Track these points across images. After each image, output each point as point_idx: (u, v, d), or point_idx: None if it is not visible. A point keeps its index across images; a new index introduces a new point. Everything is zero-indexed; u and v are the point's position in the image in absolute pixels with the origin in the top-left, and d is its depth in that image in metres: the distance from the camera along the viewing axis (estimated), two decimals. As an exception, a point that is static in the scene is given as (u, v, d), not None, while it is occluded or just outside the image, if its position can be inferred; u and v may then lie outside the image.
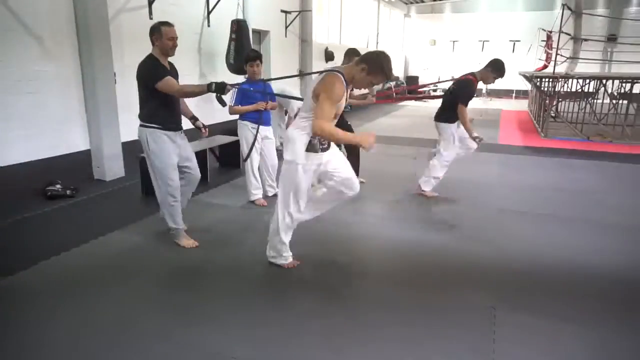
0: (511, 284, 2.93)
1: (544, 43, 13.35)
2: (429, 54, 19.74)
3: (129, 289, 2.79)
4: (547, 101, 9.75)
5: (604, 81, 9.84)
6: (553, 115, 10.42)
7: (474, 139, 4.40)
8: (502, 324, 2.47)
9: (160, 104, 3.12)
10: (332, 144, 2.89)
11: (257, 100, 4.18)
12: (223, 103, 3.25)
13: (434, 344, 2.29)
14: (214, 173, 5.46)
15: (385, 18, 16.81)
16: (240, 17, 7.27)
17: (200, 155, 5.09)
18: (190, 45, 6.82)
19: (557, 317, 2.55)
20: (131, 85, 5.55)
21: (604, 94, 9.92)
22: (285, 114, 6.69)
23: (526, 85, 13.90)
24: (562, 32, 8.76)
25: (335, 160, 2.88)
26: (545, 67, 12.12)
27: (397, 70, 18.93)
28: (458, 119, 4.41)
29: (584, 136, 8.63)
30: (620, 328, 2.47)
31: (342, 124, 4.46)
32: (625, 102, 9.71)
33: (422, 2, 19.04)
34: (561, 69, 10.09)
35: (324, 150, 2.78)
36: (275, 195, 4.57)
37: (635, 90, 9.54)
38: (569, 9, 9.90)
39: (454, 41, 18.99)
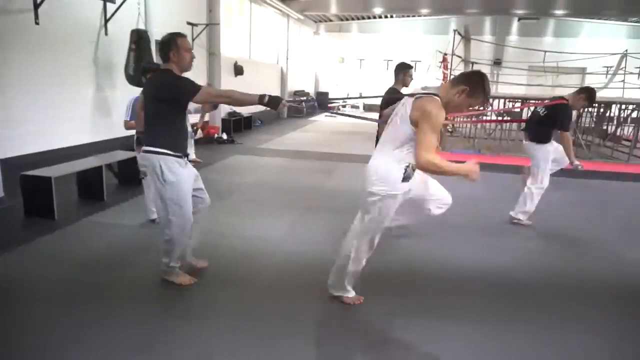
0: (410, 291, 3.09)
1: (441, 64, 14.50)
2: (338, 70, 20.46)
3: (18, 313, 2.49)
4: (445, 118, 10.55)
5: (490, 100, 10.92)
6: (450, 130, 11.31)
7: (575, 166, 4.47)
8: (399, 329, 2.59)
9: (177, 125, 2.84)
10: None
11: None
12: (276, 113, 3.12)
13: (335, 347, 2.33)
14: (111, 191, 5.11)
15: (295, 34, 17.14)
16: (141, 27, 6.96)
17: (96, 172, 4.76)
18: (85, 55, 6.37)
19: (449, 317, 2.74)
20: (13, 98, 5.13)
21: (491, 111, 11.00)
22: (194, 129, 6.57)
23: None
24: (454, 54, 9.60)
25: (419, 183, 2.67)
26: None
27: (308, 86, 19.37)
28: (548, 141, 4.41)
29: (476, 149, 9.47)
30: (502, 324, 2.71)
31: None
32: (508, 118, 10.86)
33: (331, 21, 19.75)
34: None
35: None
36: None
37: (515, 109, 10.74)
38: (460, 34, 10.87)
39: (361, 59, 19.88)
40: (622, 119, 11.24)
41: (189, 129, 7.50)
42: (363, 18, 19.54)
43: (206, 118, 7.08)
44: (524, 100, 10.36)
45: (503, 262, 3.67)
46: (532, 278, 3.40)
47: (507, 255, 3.85)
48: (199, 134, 8.63)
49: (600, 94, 15.12)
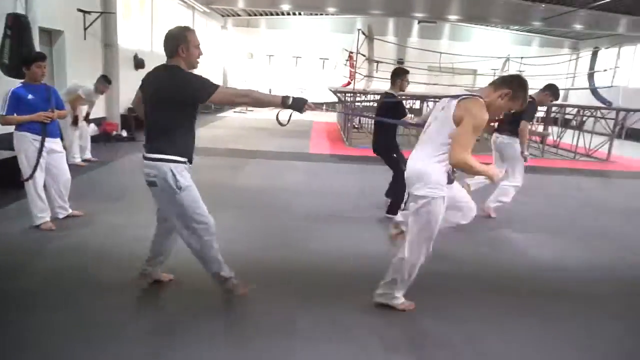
0: (318, 284, 3.14)
1: (347, 62, 14.97)
2: (247, 66, 20.19)
3: None
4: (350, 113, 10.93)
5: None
6: (356, 126, 11.71)
7: (524, 156, 4.72)
8: (304, 321, 2.62)
9: (188, 129, 2.60)
10: None
11: (37, 108, 3.62)
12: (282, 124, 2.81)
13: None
14: (-13, 195, 4.54)
15: (201, 28, 16.57)
16: (20, 11, 6.25)
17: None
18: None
19: (357, 310, 2.82)
20: None
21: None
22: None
23: (335, 99, 15.38)
24: (359, 53, 9.95)
25: (456, 189, 2.71)
26: (349, 83, 13.57)
27: (217, 82, 18.80)
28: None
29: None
30: (407, 314, 2.86)
31: None
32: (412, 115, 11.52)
33: (238, 15, 19.40)
34: (361, 85, 11.44)
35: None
36: (68, 217, 4.06)
37: (416, 106, 11.47)
38: (364, 34, 11.30)
39: (270, 55, 19.82)
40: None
41: (89, 126, 6.98)
42: (271, 14, 19.47)
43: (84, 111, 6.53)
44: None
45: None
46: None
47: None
48: (94, 129, 8.00)
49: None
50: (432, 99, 11.46)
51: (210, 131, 11.13)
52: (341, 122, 12.77)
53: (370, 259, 3.59)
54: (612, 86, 11.57)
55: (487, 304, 2.99)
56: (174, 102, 2.47)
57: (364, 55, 11.07)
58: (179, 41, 2.50)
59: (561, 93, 15.78)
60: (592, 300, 3.16)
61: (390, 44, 17.09)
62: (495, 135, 4.98)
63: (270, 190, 5.43)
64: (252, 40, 20.10)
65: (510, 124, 4.68)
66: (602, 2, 12.92)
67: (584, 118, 11.20)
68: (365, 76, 11.79)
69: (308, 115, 16.93)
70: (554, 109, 11.14)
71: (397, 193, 4.64)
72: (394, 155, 4.75)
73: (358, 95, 10.59)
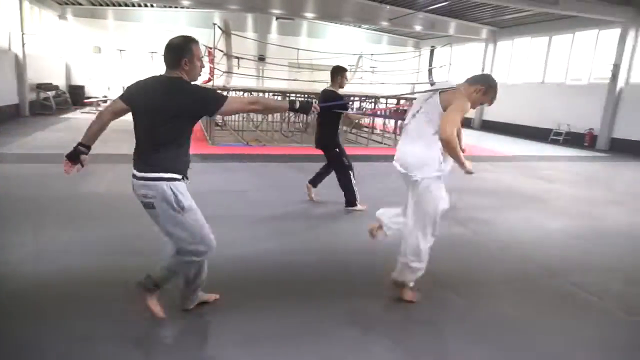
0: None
1: (206, 58, 14.48)
2: (94, 62, 18.30)
3: None
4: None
5: (258, 93, 11.51)
6: (220, 124, 11.43)
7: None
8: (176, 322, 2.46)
9: (186, 144, 2.44)
10: None
11: None
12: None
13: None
14: None
15: (34, 17, 14.51)
16: None
17: None
18: None
19: (223, 307, 2.73)
20: None
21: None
22: None
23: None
24: (216, 48, 9.68)
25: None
26: (209, 80, 13.15)
27: (58, 79, 16.73)
28: None
29: (244, 141, 9.83)
30: (269, 307, 2.85)
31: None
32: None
33: (80, 4, 17.43)
34: (221, 82, 11.17)
35: None
36: None
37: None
38: (220, 28, 11.03)
39: (121, 50, 18.22)
40: (362, 110, 13.37)
41: None
42: (119, 5, 17.89)
43: None
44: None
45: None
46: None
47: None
48: None
49: (346, 89, 17.82)
50: (294, 94, 11.79)
51: (53, 135, 9.82)
52: (204, 121, 12.34)
53: (228, 256, 3.51)
54: (447, 81, 13.16)
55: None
56: (180, 116, 2.32)
57: (221, 51, 10.81)
58: (184, 53, 2.33)
59: (408, 87, 17.47)
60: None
61: (250, 40, 17.01)
62: None
63: (120, 196, 4.99)
64: (98, 33, 18.23)
65: None
66: (436, 6, 14.57)
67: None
68: (224, 72, 11.52)
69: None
70: (402, 101, 12.26)
71: (347, 185, 5.07)
72: (337, 149, 5.05)
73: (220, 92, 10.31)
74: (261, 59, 17.83)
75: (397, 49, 20.26)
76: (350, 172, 5.07)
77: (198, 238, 2.41)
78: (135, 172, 2.37)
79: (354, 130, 12.33)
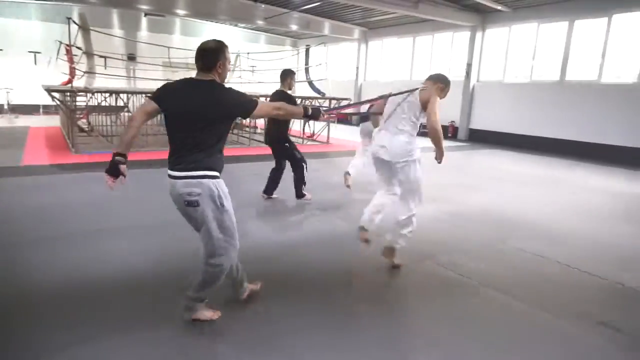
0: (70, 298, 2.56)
1: (66, 57, 13.00)
2: None
3: None
4: (75, 115, 9.54)
5: (128, 95, 10.62)
6: (87, 129, 10.35)
7: None
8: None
9: (224, 143, 2.54)
10: None
11: None
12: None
13: None
14: None
15: None
16: None
17: None
18: None
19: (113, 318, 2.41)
20: None
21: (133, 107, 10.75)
22: None
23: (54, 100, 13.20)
24: (74, 46, 8.71)
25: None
26: (70, 81, 11.84)
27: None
28: None
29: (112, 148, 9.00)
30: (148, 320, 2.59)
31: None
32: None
33: None
34: (82, 83, 10.10)
35: None
36: None
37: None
38: (75, 23, 9.95)
39: (-46, 47, 15.53)
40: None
41: None
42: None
43: None
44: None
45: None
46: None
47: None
48: None
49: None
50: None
51: None
52: (67, 125, 11.06)
53: (109, 269, 3.16)
54: (323, 79, 13.59)
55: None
56: (221, 119, 2.45)
57: (79, 49, 9.76)
58: (219, 56, 2.45)
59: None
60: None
61: (117, 37, 15.70)
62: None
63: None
64: None
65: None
66: (310, 7, 14.92)
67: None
68: (85, 72, 10.44)
69: (23, 121, 14.10)
70: (262, 99, 12.30)
71: (300, 177, 5.52)
72: (287, 145, 5.40)
73: (81, 94, 9.30)
74: (131, 58, 16.59)
75: (275, 48, 20.37)
76: (304, 164, 5.49)
77: (230, 239, 2.54)
78: (175, 173, 2.41)
79: (235, 131, 12.09)
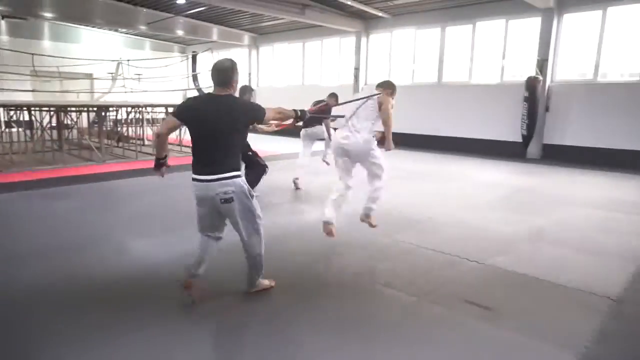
0: None
1: None
2: None
3: None
4: None
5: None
6: None
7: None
8: None
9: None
10: None
11: None
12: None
13: None
14: None
15: None
16: None
17: None
18: None
19: None
20: None
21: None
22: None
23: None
24: None
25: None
26: None
27: None
28: None
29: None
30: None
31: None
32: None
33: None
34: None
35: None
36: None
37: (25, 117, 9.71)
38: None
39: None
40: (129, 121, 12.28)
41: None
42: None
43: None
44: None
45: None
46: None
47: None
48: None
49: (108, 98, 16.11)
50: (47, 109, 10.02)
51: None
52: None
53: None
54: (211, 87, 13.20)
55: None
56: (241, 125, 2.89)
57: None
58: (234, 74, 2.88)
59: (179, 94, 16.61)
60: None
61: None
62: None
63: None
64: None
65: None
66: (194, 11, 14.39)
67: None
68: None
69: None
70: (148, 109, 11.63)
71: (257, 177, 5.74)
72: (250, 153, 5.69)
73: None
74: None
75: (162, 55, 19.36)
76: (264, 172, 5.85)
77: (260, 216, 3.04)
78: (206, 177, 2.82)
79: (120, 144, 11.21)
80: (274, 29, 17.08)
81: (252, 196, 2.95)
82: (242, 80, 15.78)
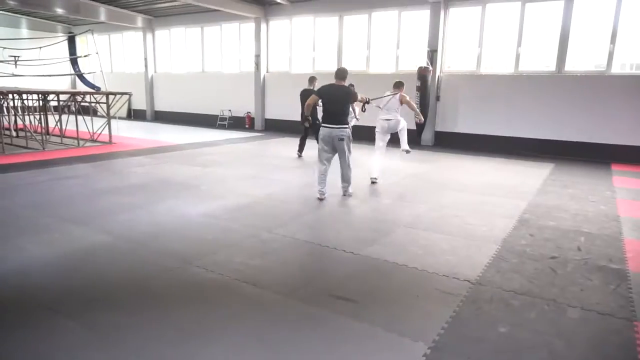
0: None
1: None
2: None
3: None
4: None
5: None
6: None
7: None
8: None
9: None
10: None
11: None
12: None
13: None
14: None
15: None
16: None
17: None
18: None
19: None
20: None
21: None
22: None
23: None
24: None
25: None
26: None
27: None
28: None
29: None
30: None
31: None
32: None
33: None
34: None
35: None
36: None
37: None
38: None
39: None
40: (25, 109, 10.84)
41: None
42: None
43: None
44: None
45: None
46: None
47: None
48: None
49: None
50: None
51: None
52: None
53: None
54: (96, 72, 11.98)
55: None
56: (350, 101, 5.76)
57: None
58: (347, 74, 5.65)
59: (66, 79, 14.98)
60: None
61: None
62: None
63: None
64: None
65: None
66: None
67: (82, 103, 11.19)
68: None
69: None
70: (51, 96, 10.48)
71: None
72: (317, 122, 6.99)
73: None
74: None
75: (42, 35, 17.33)
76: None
77: (351, 152, 5.76)
78: (331, 125, 5.55)
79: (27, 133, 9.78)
80: (169, 12, 16.06)
81: (351, 140, 5.68)
82: (137, 66, 14.89)
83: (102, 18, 15.45)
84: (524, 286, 3.36)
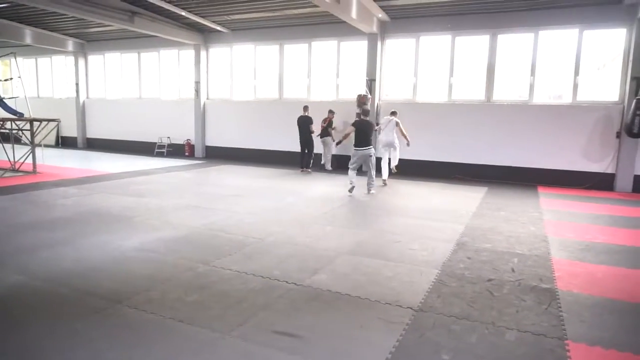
0: None
1: None
2: None
3: None
4: None
5: None
6: None
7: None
8: None
9: None
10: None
11: None
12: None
13: None
14: None
15: None
16: None
17: None
18: None
19: None
20: None
21: None
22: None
23: None
24: None
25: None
26: None
27: None
28: None
29: None
30: None
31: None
32: None
33: None
34: None
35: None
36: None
37: None
38: None
39: None
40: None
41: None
42: None
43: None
44: None
45: None
46: None
47: None
48: None
49: None
50: None
51: None
52: None
53: None
54: (19, 97, 11.20)
55: None
56: (372, 130, 8.57)
57: None
58: (368, 113, 8.67)
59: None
60: None
61: None
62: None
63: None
64: None
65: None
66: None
67: (1, 130, 10.38)
68: None
69: None
70: None
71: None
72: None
73: None
74: None
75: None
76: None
77: (375, 165, 8.63)
78: (363, 147, 8.19)
79: None
80: (103, 36, 15.50)
81: (373, 156, 8.32)
82: (67, 91, 14.11)
83: (28, 41, 14.60)
84: (464, 310, 3.40)
